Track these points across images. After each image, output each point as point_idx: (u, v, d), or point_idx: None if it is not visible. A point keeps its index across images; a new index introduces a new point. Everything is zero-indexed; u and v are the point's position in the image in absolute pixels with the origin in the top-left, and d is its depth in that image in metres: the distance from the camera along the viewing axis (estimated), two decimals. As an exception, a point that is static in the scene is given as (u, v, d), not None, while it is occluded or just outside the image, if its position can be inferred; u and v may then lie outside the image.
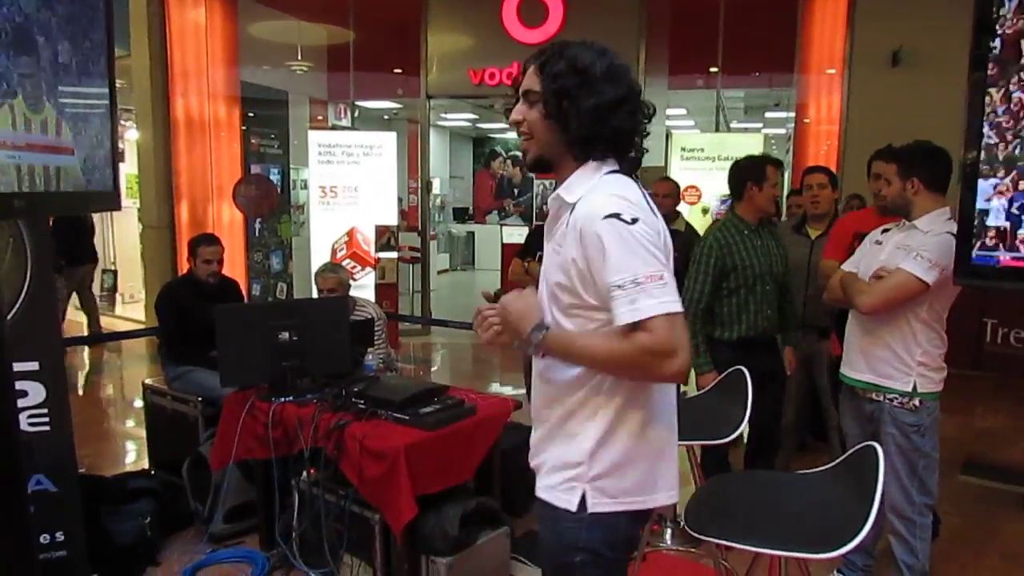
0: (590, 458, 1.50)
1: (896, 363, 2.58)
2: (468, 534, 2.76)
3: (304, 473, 2.96)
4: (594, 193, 1.46)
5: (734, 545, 1.69)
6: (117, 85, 1.77)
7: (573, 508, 1.50)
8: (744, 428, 2.51)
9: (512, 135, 12.71)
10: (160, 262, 7.81)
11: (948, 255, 2.43)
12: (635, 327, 1.36)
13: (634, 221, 1.39)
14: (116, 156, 2.25)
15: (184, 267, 4.46)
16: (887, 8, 6.17)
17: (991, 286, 3.47)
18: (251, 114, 8.47)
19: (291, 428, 2.93)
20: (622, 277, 1.36)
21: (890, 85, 6.10)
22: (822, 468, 1.93)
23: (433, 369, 7.31)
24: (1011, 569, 3.22)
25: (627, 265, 1.37)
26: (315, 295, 4.03)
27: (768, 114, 10.53)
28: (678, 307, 1.38)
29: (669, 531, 3.48)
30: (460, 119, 14.07)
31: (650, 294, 1.36)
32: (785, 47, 6.94)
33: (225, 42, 7.96)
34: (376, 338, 3.91)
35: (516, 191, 15.85)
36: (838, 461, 1.92)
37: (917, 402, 2.57)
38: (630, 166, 1.55)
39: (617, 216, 1.39)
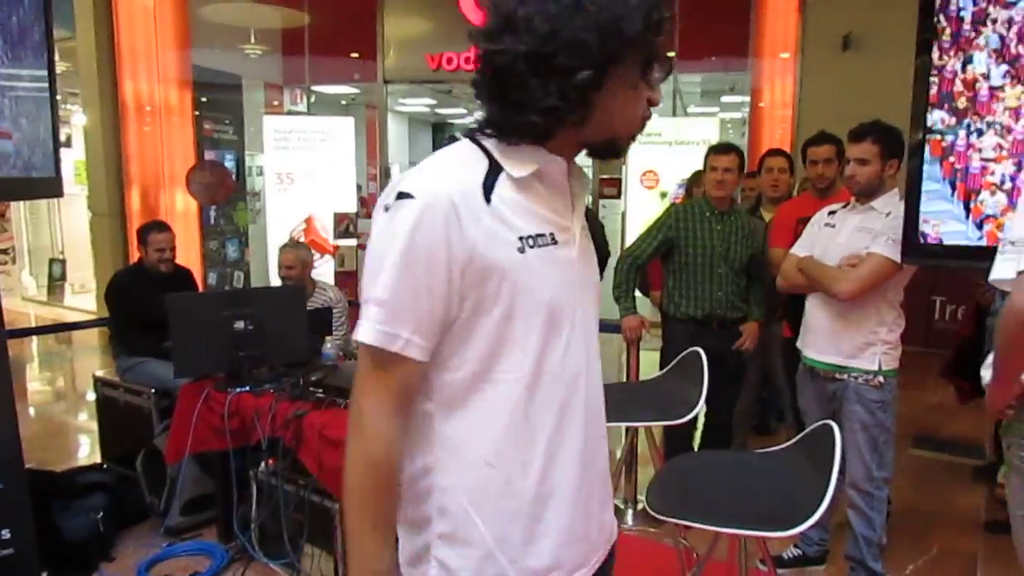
0: None
1: (864, 343, 2.64)
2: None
3: (262, 464, 2.91)
4: None
5: (694, 525, 1.71)
6: (63, 68, 1.71)
7: None
8: (701, 408, 2.53)
9: (471, 119, 12.60)
10: (111, 251, 7.63)
11: None
12: None
13: None
14: (58, 141, 2.19)
15: (135, 256, 4.35)
16: (838, -8, 6.24)
17: (939, 264, 3.54)
18: (204, 99, 8.26)
19: (248, 418, 2.88)
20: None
21: (841, 69, 6.18)
22: (780, 447, 1.96)
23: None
24: (961, 538, 3.33)
25: None
26: (275, 275, 3.98)
27: (724, 98, 10.61)
28: None
29: (630, 512, 3.52)
30: (418, 104, 13.91)
31: None
32: (740, 32, 6.98)
33: (175, 23, 7.74)
34: (336, 323, 3.85)
35: (475, 177, 15.72)
36: (795, 440, 1.95)
37: (881, 379, 2.63)
38: None
39: None
